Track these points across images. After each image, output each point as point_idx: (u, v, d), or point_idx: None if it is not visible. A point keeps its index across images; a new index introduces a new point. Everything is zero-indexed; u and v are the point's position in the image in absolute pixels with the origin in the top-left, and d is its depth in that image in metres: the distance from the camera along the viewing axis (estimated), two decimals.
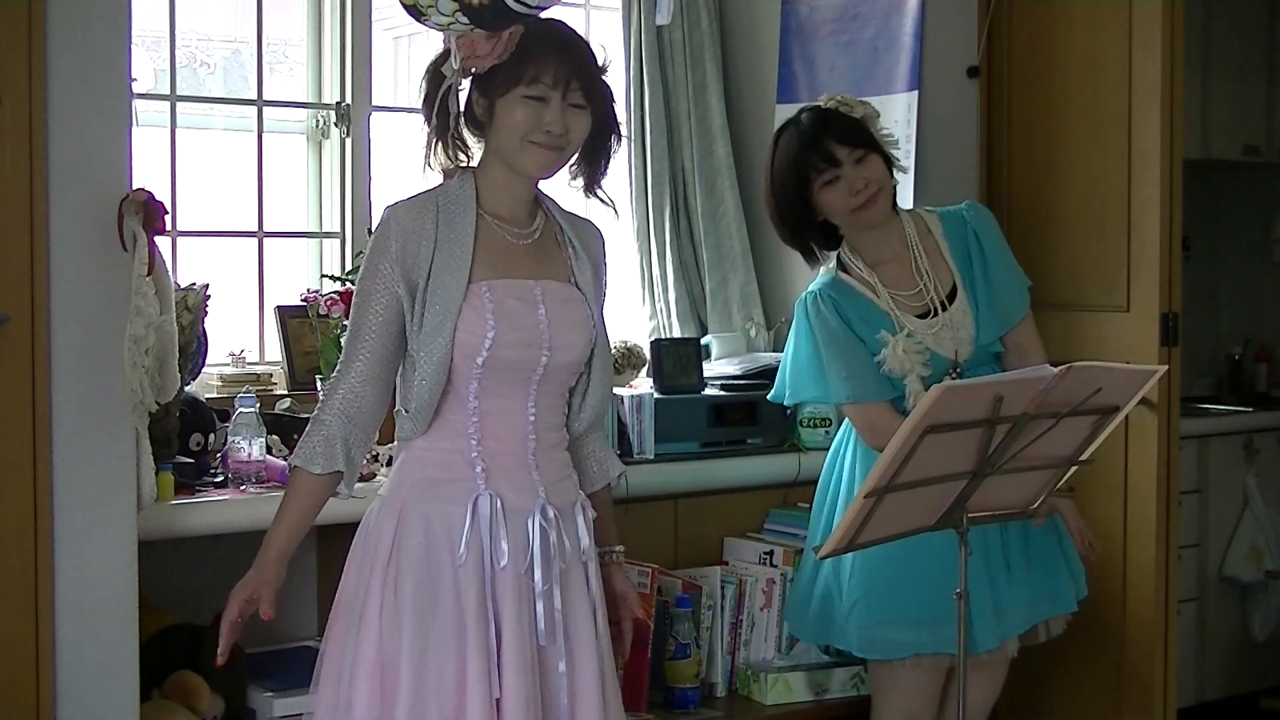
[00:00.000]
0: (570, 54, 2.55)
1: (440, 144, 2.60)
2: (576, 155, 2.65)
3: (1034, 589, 3.27)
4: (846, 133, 3.22)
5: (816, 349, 3.27)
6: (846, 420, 3.36)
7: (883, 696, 3.36)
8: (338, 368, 2.60)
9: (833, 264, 3.37)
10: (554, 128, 2.54)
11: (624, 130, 2.74)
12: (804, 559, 3.49)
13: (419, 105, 2.63)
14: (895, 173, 3.29)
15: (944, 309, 3.26)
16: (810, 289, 3.32)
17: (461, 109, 2.59)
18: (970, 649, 3.16)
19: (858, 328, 3.25)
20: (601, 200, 2.74)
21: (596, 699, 2.60)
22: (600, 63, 2.61)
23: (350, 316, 2.61)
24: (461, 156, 2.62)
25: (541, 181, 2.66)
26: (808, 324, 3.29)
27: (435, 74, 2.58)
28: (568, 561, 2.59)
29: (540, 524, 2.56)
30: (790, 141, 3.27)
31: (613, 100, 2.64)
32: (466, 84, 2.60)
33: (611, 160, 2.70)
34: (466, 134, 2.61)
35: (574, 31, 2.63)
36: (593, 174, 2.69)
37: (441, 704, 2.49)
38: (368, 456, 3.50)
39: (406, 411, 2.57)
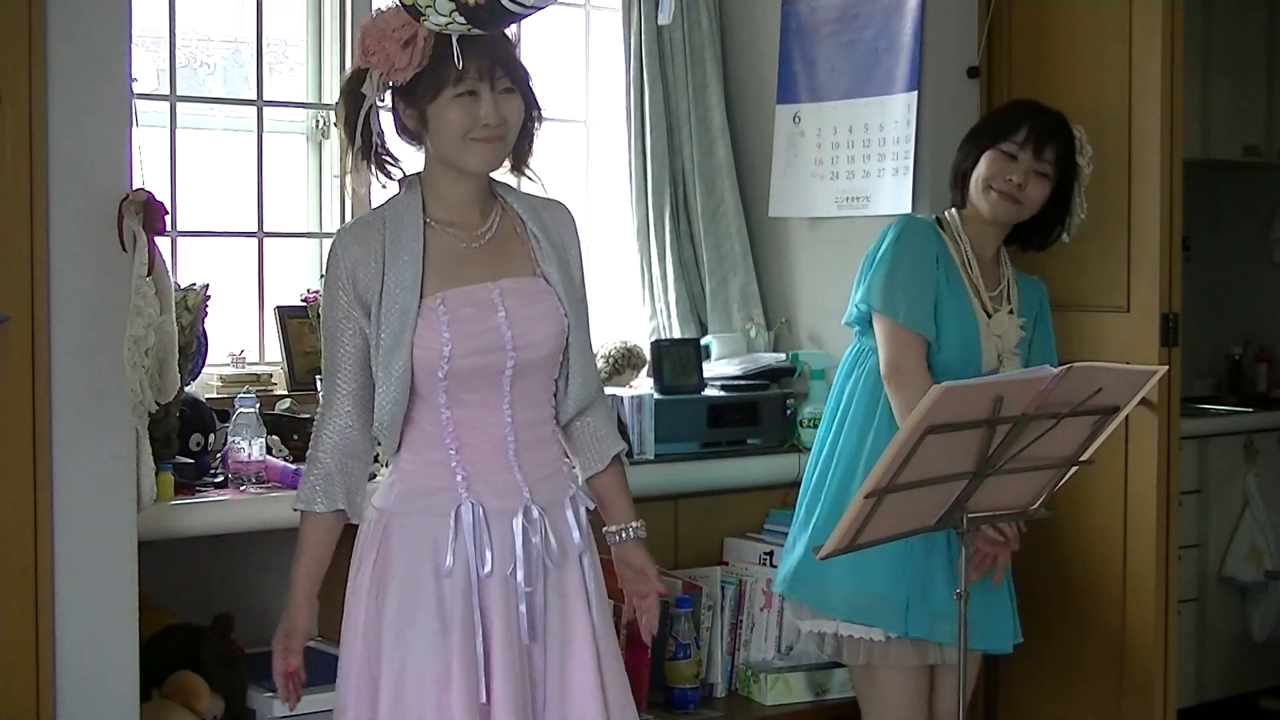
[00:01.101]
0: (488, 42, 2.51)
1: (366, 163, 2.58)
2: None
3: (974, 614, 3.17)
4: (1060, 154, 3.32)
5: (898, 262, 3.27)
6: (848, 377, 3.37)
7: (869, 704, 3.36)
8: (322, 403, 2.62)
9: (931, 216, 3.44)
10: (491, 119, 2.51)
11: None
12: (793, 526, 3.44)
13: (339, 127, 2.62)
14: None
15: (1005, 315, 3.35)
16: (915, 216, 3.39)
17: (377, 126, 2.57)
18: (905, 632, 3.20)
19: (941, 267, 3.29)
20: (529, 178, 2.68)
21: (594, 695, 2.58)
22: (513, 40, 2.60)
23: (323, 350, 2.63)
24: (395, 171, 2.60)
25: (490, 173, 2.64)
26: (898, 238, 3.29)
27: (354, 94, 2.55)
28: (555, 560, 2.58)
29: (524, 525, 2.55)
30: (1019, 111, 3.38)
31: (529, 77, 2.61)
32: (387, 98, 2.58)
33: (535, 136, 2.65)
34: (402, 145, 2.60)
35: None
36: (520, 153, 2.64)
37: (421, 712, 2.50)
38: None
39: (380, 426, 2.57)
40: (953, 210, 3.41)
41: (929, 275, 3.26)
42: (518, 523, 2.55)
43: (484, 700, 2.50)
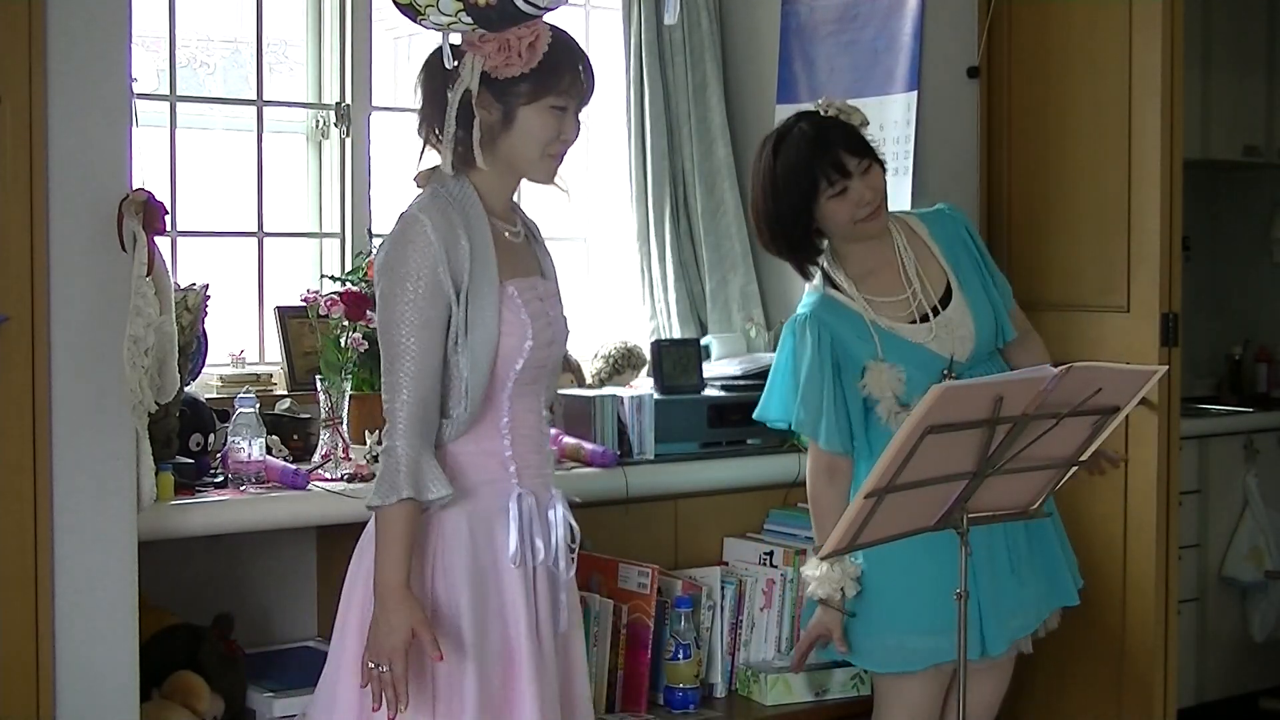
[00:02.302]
0: (589, 68, 2.59)
1: (456, 148, 2.54)
2: None
3: (1039, 586, 3.27)
4: (853, 143, 3.17)
5: (796, 374, 3.24)
6: None
7: (887, 705, 3.35)
8: (404, 392, 2.48)
9: (818, 280, 3.30)
10: (569, 138, 2.58)
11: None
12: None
13: (425, 109, 2.59)
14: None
15: (937, 312, 3.24)
16: (801, 311, 3.26)
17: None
18: (983, 652, 3.18)
19: (851, 347, 3.20)
20: (561, 189, 2.69)
21: (586, 682, 2.74)
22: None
23: (392, 331, 2.50)
24: (474, 158, 2.55)
25: None
26: (792, 346, 3.25)
27: (443, 74, 2.53)
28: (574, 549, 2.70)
29: (563, 514, 2.64)
30: (798, 150, 3.16)
31: None
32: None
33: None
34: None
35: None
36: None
37: (503, 698, 2.54)
38: (367, 456, 3.51)
39: (449, 417, 2.55)
40: (825, 273, 3.27)
41: (824, 379, 3.19)
42: (556, 513, 2.63)
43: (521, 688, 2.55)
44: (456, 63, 2.51)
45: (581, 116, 2.62)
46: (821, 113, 3.23)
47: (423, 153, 2.64)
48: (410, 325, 2.48)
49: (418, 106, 2.63)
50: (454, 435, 2.56)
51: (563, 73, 2.54)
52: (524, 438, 2.61)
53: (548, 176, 2.62)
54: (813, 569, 3.23)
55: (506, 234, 2.62)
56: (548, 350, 2.61)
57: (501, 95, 2.53)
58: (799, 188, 3.16)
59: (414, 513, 2.47)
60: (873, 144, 3.22)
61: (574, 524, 2.68)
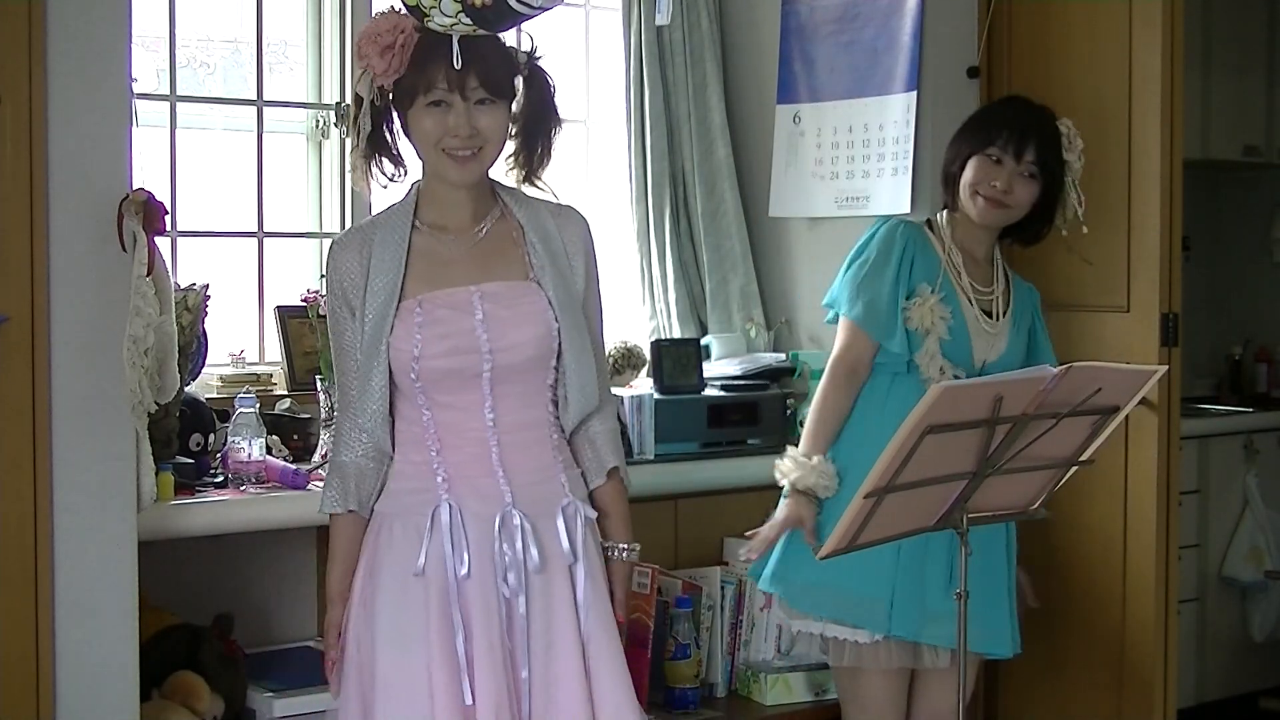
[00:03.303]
0: (464, 52, 2.49)
1: (365, 163, 2.61)
2: (517, 146, 2.62)
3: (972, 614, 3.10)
4: (1043, 153, 3.30)
5: (863, 264, 3.30)
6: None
7: (851, 706, 3.36)
8: (339, 409, 2.68)
9: (923, 219, 3.45)
10: (460, 131, 2.51)
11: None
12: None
13: (349, 124, 2.65)
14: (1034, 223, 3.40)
15: (998, 318, 3.34)
16: (894, 218, 3.40)
17: (366, 126, 2.59)
18: (889, 631, 3.19)
19: (920, 271, 3.28)
20: (540, 188, 2.68)
21: (581, 706, 2.55)
22: (509, 52, 2.58)
23: (333, 359, 2.68)
24: (394, 173, 2.63)
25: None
26: (870, 239, 3.33)
27: (356, 95, 2.60)
28: (536, 568, 2.56)
29: (502, 530, 2.54)
30: (1000, 113, 3.40)
31: (543, 86, 2.61)
32: None
33: (552, 147, 2.65)
34: (403, 148, 2.62)
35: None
36: (530, 163, 2.65)
37: (412, 709, 2.51)
38: None
39: (365, 429, 2.60)
40: (944, 212, 3.41)
41: (891, 277, 3.26)
42: (495, 528, 2.54)
43: (469, 702, 2.49)
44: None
45: (481, 100, 2.52)
46: (1063, 129, 3.36)
47: (369, 173, 2.63)
48: (333, 347, 2.65)
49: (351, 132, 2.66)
50: (371, 446, 2.60)
51: (428, 67, 2.50)
52: (457, 448, 2.56)
53: (458, 175, 2.55)
54: (792, 463, 3.24)
55: (446, 244, 2.60)
56: (456, 360, 2.53)
57: (398, 104, 2.57)
58: (976, 136, 3.35)
59: (333, 523, 2.66)
60: (1068, 172, 3.36)
61: (550, 544, 2.57)
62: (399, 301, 2.55)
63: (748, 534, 3.31)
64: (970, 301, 3.31)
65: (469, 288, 2.57)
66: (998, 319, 3.34)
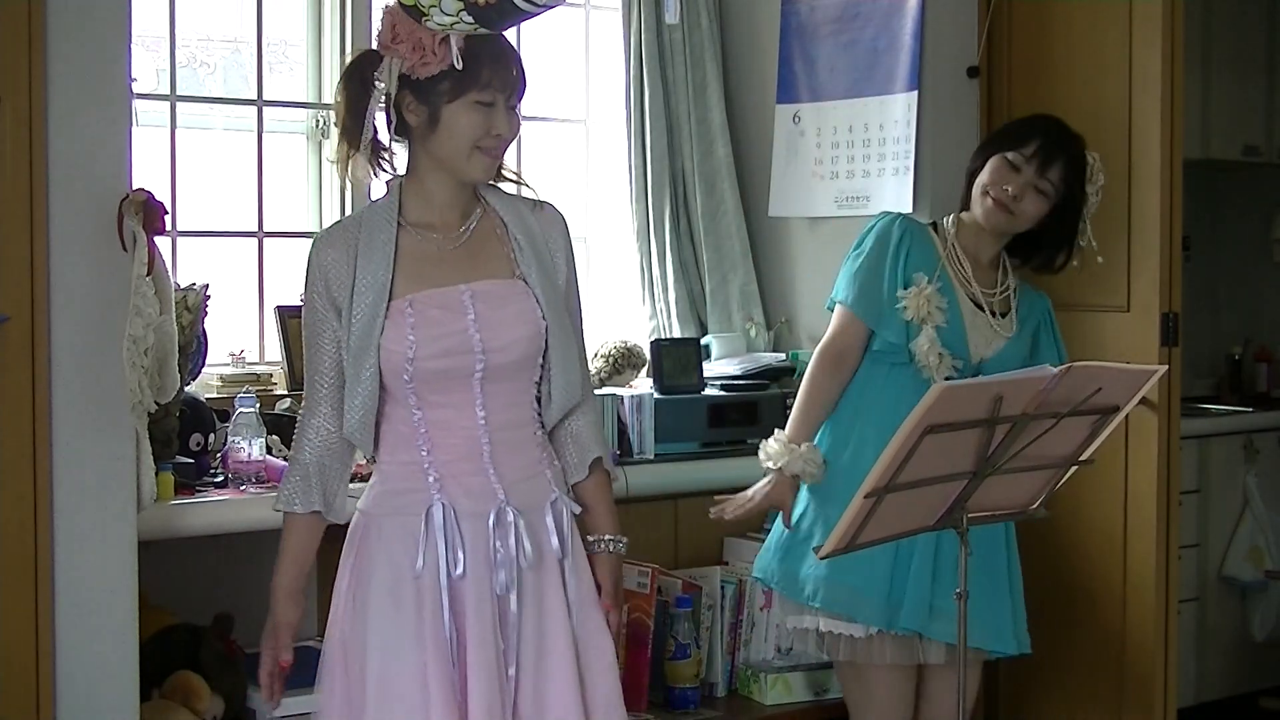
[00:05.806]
0: (513, 58, 2.55)
1: (372, 156, 2.57)
2: None
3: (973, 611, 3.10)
4: (1066, 175, 3.30)
5: (860, 253, 3.33)
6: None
7: (857, 704, 3.36)
8: (304, 405, 2.63)
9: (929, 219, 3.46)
10: (502, 132, 2.53)
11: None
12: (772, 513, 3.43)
13: (346, 120, 2.57)
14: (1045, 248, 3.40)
15: (998, 317, 3.34)
16: (893, 213, 3.41)
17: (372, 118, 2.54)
18: (890, 624, 3.19)
19: (913, 259, 3.30)
20: (511, 180, 2.69)
21: (572, 702, 2.55)
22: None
23: (304, 355, 2.64)
24: (388, 168, 2.60)
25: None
26: (868, 231, 3.36)
27: (362, 81, 2.53)
28: (530, 564, 2.55)
29: (497, 528, 2.54)
30: (1037, 124, 3.37)
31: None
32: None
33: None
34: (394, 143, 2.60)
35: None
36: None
37: (408, 710, 2.50)
38: (365, 457, 3.50)
39: (345, 433, 2.58)
40: (952, 215, 3.41)
41: (887, 265, 3.28)
42: (490, 525, 2.54)
43: (461, 700, 2.49)
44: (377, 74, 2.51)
45: (519, 110, 2.56)
46: (1090, 160, 3.37)
47: (347, 167, 2.59)
48: (306, 345, 2.61)
49: (336, 120, 2.61)
50: (366, 449, 2.60)
51: (483, 66, 2.49)
52: (449, 448, 2.55)
53: (483, 173, 2.56)
54: (779, 447, 3.26)
55: (433, 243, 2.58)
56: (451, 361, 2.52)
57: (425, 96, 2.51)
58: (1008, 138, 3.36)
59: (288, 521, 2.62)
60: (1088, 201, 3.37)
61: (540, 541, 2.57)
62: (389, 302, 2.54)
63: (718, 498, 3.34)
64: (968, 296, 3.32)
65: (459, 287, 2.56)
66: (998, 318, 3.34)
